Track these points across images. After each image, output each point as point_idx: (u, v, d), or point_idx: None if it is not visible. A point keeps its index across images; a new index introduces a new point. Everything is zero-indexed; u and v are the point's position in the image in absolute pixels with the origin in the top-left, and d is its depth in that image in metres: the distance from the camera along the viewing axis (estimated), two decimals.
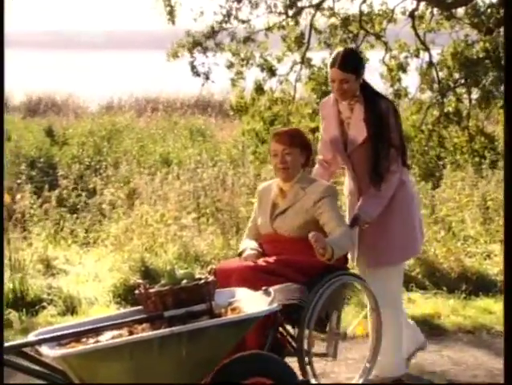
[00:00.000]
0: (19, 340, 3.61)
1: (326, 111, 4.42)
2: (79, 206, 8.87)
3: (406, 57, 9.21)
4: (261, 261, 3.90)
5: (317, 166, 4.52)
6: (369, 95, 4.27)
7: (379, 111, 4.21)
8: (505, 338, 3.26)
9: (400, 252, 4.35)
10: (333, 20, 9.23)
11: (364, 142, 4.23)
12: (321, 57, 9.37)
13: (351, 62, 4.21)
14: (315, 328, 3.84)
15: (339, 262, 3.98)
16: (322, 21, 9.33)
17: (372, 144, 4.21)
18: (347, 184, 4.50)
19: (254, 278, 3.72)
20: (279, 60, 9.27)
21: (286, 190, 4.14)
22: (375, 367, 4.38)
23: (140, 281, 3.55)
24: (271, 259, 3.90)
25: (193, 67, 9.22)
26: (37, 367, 3.28)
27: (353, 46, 9.10)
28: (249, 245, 4.13)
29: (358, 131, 4.24)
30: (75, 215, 8.45)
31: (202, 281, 3.40)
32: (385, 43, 9.18)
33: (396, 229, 4.29)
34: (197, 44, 9.10)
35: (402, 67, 9.16)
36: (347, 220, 4.22)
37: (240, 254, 4.13)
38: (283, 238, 4.05)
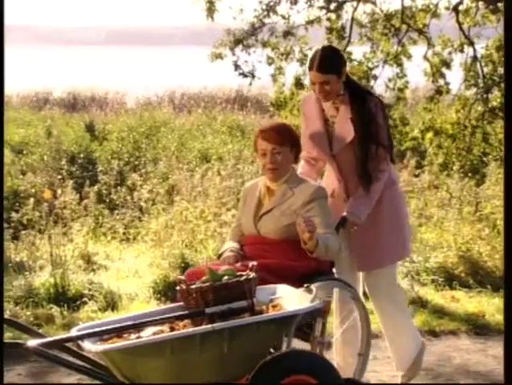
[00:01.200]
0: (61, 335, 3.63)
1: (307, 109, 4.20)
2: (118, 202, 8.91)
3: (450, 52, 9.05)
4: (239, 265, 3.64)
5: (303, 163, 4.24)
6: (355, 93, 4.03)
7: (367, 109, 3.98)
8: (506, 338, 3.21)
9: (390, 254, 4.16)
10: (375, 15, 9.12)
11: (352, 142, 4.00)
12: (362, 51, 9.29)
13: (330, 63, 3.96)
14: (298, 335, 3.59)
15: (323, 267, 3.79)
16: (364, 15, 9.22)
17: (361, 144, 3.98)
18: (328, 184, 4.17)
19: None
20: None
21: (273, 189, 3.89)
22: (398, 365, 4.30)
23: (182, 277, 3.51)
24: (250, 263, 3.60)
25: (236, 67, 9.10)
26: (79, 362, 3.30)
27: (395, 40, 8.98)
28: (229, 247, 3.90)
29: (345, 131, 4.01)
30: (115, 211, 8.50)
31: (243, 278, 3.37)
32: (428, 39, 9.03)
33: (385, 231, 4.09)
34: (238, 42, 9.01)
35: (446, 63, 9.01)
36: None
37: (220, 256, 3.89)
38: (267, 240, 3.81)
